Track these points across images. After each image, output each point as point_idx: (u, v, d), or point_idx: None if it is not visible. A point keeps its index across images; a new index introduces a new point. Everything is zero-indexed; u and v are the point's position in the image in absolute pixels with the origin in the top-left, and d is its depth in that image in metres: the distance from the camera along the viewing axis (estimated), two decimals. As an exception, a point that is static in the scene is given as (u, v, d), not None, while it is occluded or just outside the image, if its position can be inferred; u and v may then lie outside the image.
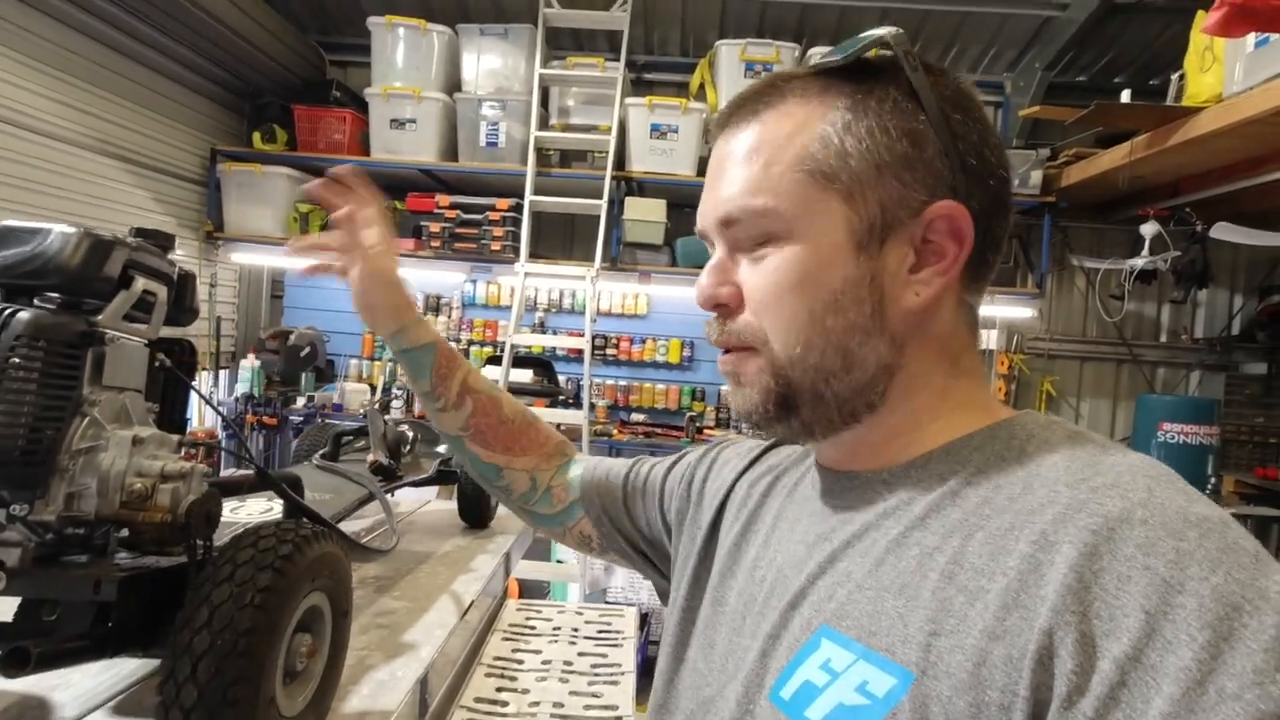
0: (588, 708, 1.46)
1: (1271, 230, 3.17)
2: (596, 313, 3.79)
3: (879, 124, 0.53)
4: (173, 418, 1.11)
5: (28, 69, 2.82)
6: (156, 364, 1.03)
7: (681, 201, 3.91)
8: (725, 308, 0.57)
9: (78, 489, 0.88)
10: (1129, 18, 3.49)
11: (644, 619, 3.88)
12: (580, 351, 3.65)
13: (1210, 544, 0.40)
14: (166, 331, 1.05)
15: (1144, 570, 0.39)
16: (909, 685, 0.43)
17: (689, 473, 0.79)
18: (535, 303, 4.38)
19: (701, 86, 3.86)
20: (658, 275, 3.84)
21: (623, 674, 1.61)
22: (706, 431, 4.26)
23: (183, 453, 1.00)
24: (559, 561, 3.90)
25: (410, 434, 2.16)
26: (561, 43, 4.11)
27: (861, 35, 0.54)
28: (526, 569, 3.54)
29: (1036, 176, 3.65)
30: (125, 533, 0.92)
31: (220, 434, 3.66)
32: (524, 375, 3.80)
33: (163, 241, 1.02)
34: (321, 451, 1.99)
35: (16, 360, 0.81)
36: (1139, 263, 3.63)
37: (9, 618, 0.90)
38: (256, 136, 3.89)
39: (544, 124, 3.76)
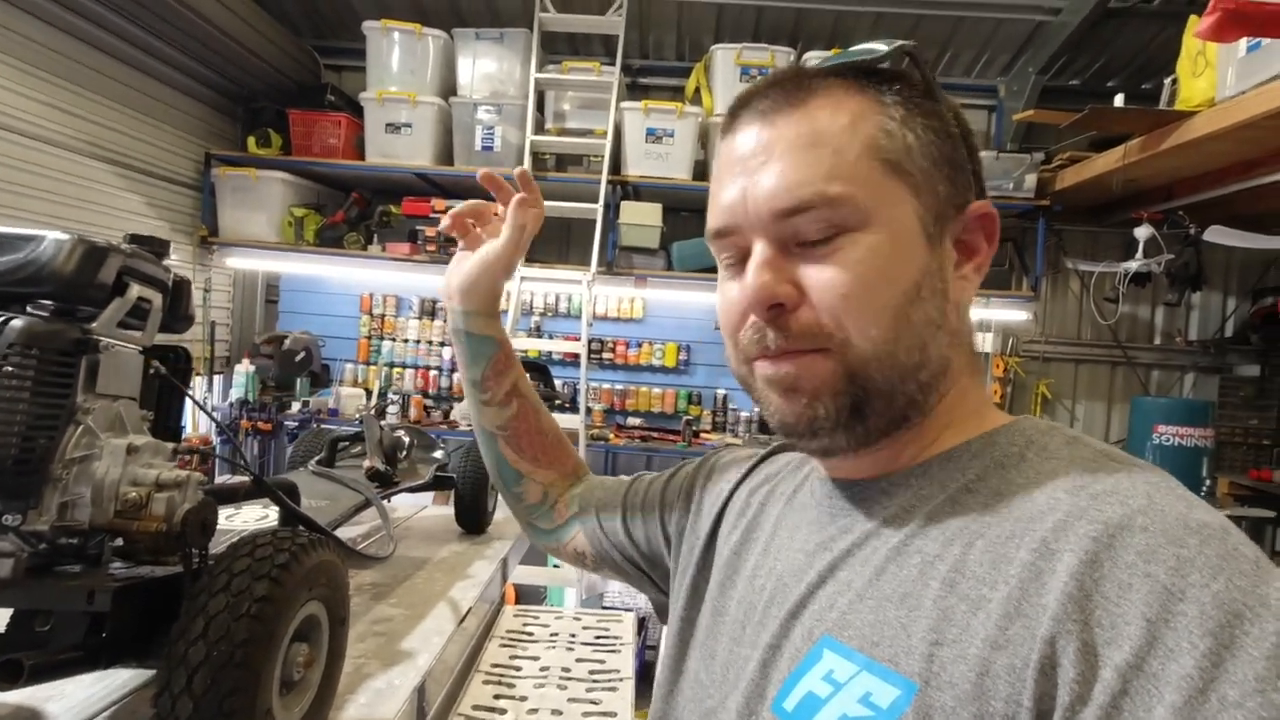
0: (586, 714, 1.45)
1: (1265, 233, 3.18)
2: (593, 317, 3.79)
3: (926, 123, 0.54)
4: (167, 425, 1.10)
5: (19, 73, 2.80)
6: (151, 371, 1.03)
7: (677, 205, 3.90)
8: (781, 307, 0.52)
9: (71, 498, 0.87)
10: (1122, 22, 3.51)
11: (641, 624, 3.87)
12: (576, 355, 3.64)
13: (1211, 550, 0.40)
14: (161, 338, 1.05)
15: (1145, 578, 0.39)
16: (913, 696, 0.43)
17: (687, 483, 0.78)
18: (531, 307, 4.38)
19: (697, 90, 3.87)
20: (654, 279, 3.84)
21: (621, 680, 1.61)
22: (703, 435, 4.25)
23: (178, 461, 1.00)
24: (555, 566, 3.89)
25: (406, 439, 2.16)
26: (557, 47, 4.11)
27: (881, 42, 0.54)
28: (523, 574, 3.52)
29: (1031, 180, 3.66)
30: (120, 542, 0.92)
31: (215, 440, 3.64)
32: (520, 379, 3.79)
33: (157, 248, 1.02)
34: (317, 457, 1.98)
35: (9, 368, 0.81)
36: (1133, 266, 3.65)
37: (2, 629, 0.90)
38: (251, 141, 3.89)
39: (539, 128, 3.76)
